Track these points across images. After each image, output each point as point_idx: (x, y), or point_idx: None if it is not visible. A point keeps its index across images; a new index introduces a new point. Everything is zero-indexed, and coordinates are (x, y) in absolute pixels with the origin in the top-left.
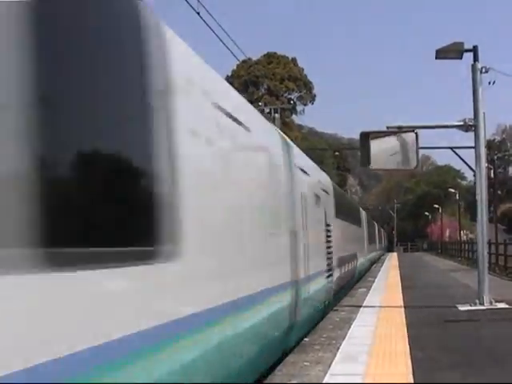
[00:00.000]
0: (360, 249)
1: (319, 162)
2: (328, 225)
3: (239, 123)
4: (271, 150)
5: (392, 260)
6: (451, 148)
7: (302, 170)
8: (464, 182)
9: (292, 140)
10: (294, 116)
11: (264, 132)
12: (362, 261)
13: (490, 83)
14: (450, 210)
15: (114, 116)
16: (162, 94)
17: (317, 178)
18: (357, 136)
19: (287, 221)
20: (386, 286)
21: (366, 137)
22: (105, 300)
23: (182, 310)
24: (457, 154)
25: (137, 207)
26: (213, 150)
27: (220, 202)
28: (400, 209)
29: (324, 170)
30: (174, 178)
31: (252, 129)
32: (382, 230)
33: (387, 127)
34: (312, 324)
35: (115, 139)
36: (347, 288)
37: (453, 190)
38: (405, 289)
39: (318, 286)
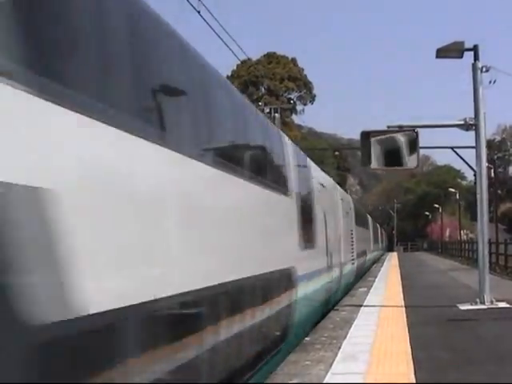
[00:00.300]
0: (368, 247)
1: (319, 162)
2: (351, 230)
3: (324, 186)
4: (335, 195)
5: (392, 260)
6: (452, 148)
7: (342, 199)
8: (464, 182)
9: (291, 139)
10: (293, 116)
11: (331, 186)
12: (369, 256)
13: (490, 82)
14: (450, 210)
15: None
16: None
17: (347, 201)
18: (356, 136)
19: (338, 230)
20: (387, 285)
21: (366, 136)
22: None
23: (317, 267)
24: (457, 153)
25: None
26: (319, 200)
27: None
28: (400, 209)
29: (324, 170)
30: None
31: (327, 186)
32: (383, 230)
33: (388, 127)
34: (345, 291)
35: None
36: (361, 274)
37: (453, 190)
38: (405, 288)
39: (349, 269)
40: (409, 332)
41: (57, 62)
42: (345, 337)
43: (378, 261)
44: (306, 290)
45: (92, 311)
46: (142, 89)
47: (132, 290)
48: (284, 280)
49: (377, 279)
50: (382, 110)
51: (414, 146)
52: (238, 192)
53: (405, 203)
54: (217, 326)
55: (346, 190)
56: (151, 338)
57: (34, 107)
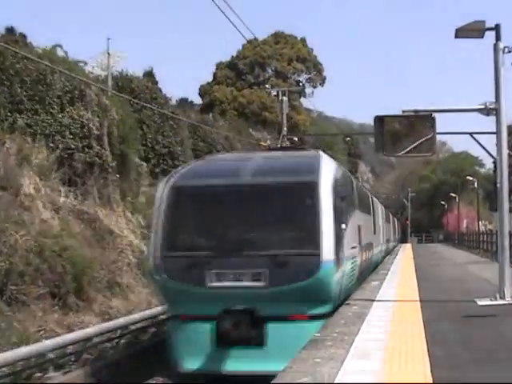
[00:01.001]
0: (389, 235)
1: (329, 147)
2: (383, 226)
3: (378, 204)
4: (381, 208)
5: (406, 251)
6: (470, 133)
7: (382, 209)
8: (482, 170)
9: (299, 124)
10: (302, 99)
11: (379, 204)
12: (388, 244)
13: None
14: (468, 199)
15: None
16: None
17: (383, 208)
18: (369, 121)
19: (388, 224)
20: (400, 279)
21: (380, 121)
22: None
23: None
24: (476, 139)
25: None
26: (377, 212)
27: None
28: (414, 198)
29: (333, 157)
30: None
31: (379, 204)
32: (396, 220)
33: (403, 111)
34: (385, 257)
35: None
36: (386, 254)
37: (471, 178)
38: (420, 282)
39: (386, 246)
40: (424, 328)
41: (360, 204)
42: (357, 333)
43: (391, 252)
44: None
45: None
46: (366, 205)
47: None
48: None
49: (390, 272)
50: (398, 96)
51: (430, 131)
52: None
53: (419, 192)
54: (376, 253)
55: (357, 178)
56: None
57: (362, 216)
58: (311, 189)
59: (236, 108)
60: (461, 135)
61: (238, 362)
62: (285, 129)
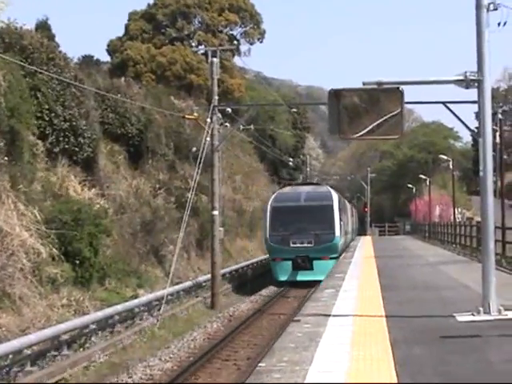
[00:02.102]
0: (346, 228)
1: (270, 118)
2: (347, 219)
3: (348, 205)
4: (349, 207)
5: (365, 247)
6: (444, 103)
7: (351, 208)
8: (459, 144)
9: (233, 89)
10: (236, 58)
11: (349, 205)
12: (346, 236)
13: (499, 24)
14: (441, 181)
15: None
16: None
17: (351, 207)
18: (318, 84)
19: (351, 219)
20: (360, 285)
21: (335, 96)
22: None
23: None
24: (451, 110)
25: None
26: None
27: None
28: (375, 179)
29: (274, 130)
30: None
31: (348, 205)
32: (352, 208)
33: (363, 83)
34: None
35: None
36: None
37: (444, 157)
38: (385, 290)
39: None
40: (393, 354)
41: (343, 210)
42: (310, 361)
43: (346, 249)
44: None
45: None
46: (345, 209)
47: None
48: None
49: (347, 276)
50: (359, 65)
51: (397, 107)
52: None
53: (381, 172)
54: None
55: (304, 155)
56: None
57: (344, 217)
58: (330, 207)
59: (154, 70)
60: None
61: (302, 276)
62: (216, 98)
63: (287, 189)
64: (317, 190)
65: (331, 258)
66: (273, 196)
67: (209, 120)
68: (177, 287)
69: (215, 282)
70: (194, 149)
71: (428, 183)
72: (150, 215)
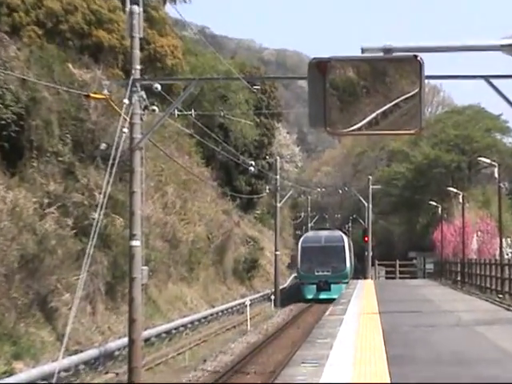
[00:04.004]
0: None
1: (221, 98)
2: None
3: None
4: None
5: (365, 297)
6: (485, 77)
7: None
8: (508, 141)
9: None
10: (169, 7)
11: (351, 243)
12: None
13: None
14: (481, 197)
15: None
16: None
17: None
18: (291, 47)
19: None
20: (356, 357)
21: (319, 69)
22: None
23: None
24: (495, 87)
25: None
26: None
27: None
28: (380, 193)
29: (227, 117)
30: None
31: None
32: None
33: (363, 50)
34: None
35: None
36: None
37: (486, 160)
38: (395, 364)
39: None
40: None
41: (350, 249)
42: None
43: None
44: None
45: None
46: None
47: None
48: None
49: (336, 341)
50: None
51: (413, 87)
52: None
53: (389, 182)
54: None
55: (273, 156)
56: None
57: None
58: (342, 247)
59: (41, 21)
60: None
61: (323, 295)
62: (137, 67)
63: (311, 233)
64: (332, 234)
65: (343, 283)
66: (301, 239)
67: (126, 101)
68: (75, 358)
69: (134, 351)
70: (104, 145)
71: (461, 200)
72: (33, 246)
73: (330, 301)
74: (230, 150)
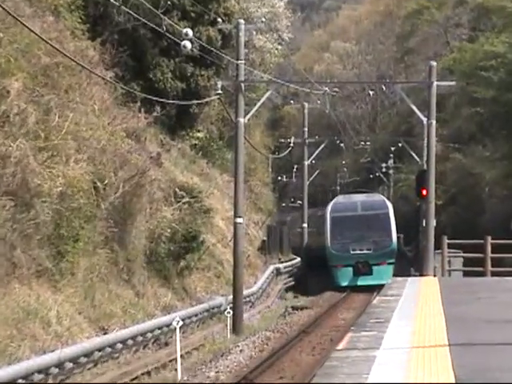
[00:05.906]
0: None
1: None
2: None
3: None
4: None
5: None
6: None
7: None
8: None
9: None
10: None
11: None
12: None
13: None
14: None
15: None
16: None
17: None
18: None
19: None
20: None
21: None
22: None
23: None
24: None
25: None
26: None
27: None
28: (454, 99)
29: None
30: None
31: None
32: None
33: None
34: None
35: None
36: None
37: None
38: None
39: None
40: None
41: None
42: None
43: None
44: None
45: None
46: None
47: None
48: None
49: None
50: None
51: None
52: None
53: (472, 76)
54: None
55: (232, 16)
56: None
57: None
58: (386, 215)
59: None
60: None
61: (361, 281)
62: None
63: (342, 198)
64: (372, 199)
65: (389, 264)
66: (329, 206)
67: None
68: None
69: None
70: None
71: None
72: None
73: (371, 288)
74: (141, 7)
